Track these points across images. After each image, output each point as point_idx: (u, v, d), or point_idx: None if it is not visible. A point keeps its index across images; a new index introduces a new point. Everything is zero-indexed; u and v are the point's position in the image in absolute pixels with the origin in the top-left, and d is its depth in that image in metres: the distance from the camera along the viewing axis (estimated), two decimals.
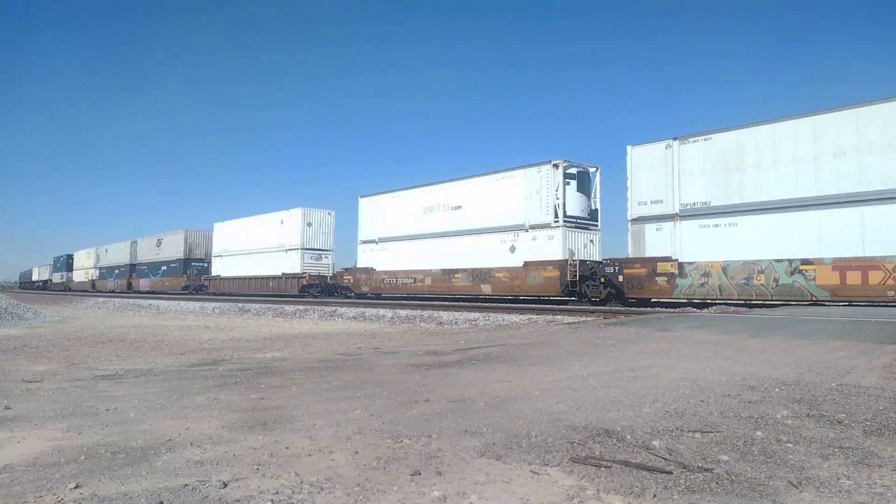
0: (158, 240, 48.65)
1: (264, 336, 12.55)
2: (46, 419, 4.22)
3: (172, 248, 45.70)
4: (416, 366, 6.80)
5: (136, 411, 4.46)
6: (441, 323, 16.32)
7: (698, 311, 14.75)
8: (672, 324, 10.46)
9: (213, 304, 27.36)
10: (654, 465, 2.98)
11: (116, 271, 56.32)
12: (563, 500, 2.59)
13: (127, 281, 52.97)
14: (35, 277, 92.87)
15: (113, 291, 53.70)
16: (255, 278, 35.68)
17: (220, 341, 11.30)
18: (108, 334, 13.06)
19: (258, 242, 36.21)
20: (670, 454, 3.17)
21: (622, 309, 16.44)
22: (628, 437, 3.49)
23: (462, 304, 21.20)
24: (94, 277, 61.40)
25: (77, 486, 2.77)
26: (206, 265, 43.33)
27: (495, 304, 20.39)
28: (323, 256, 33.53)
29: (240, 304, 25.44)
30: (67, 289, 68.44)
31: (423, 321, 16.89)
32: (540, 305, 19.93)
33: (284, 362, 7.51)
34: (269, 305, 24.09)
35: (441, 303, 22.14)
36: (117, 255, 56.56)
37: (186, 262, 43.60)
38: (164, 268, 46.56)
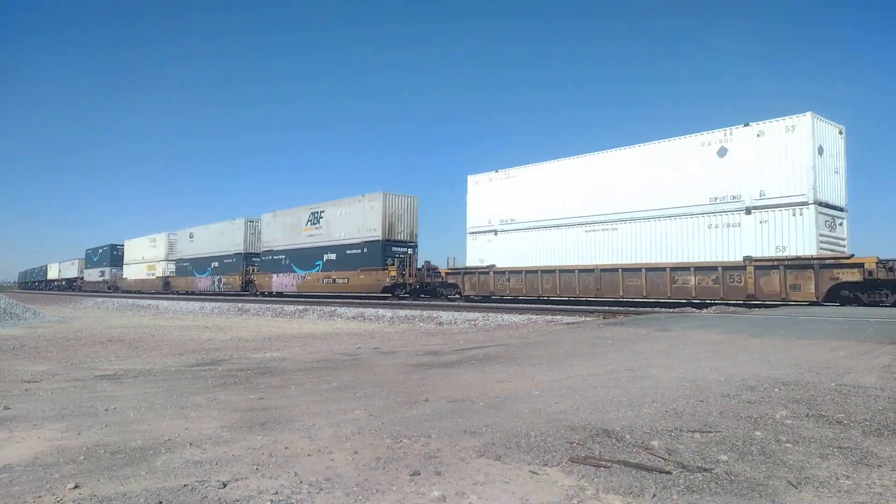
0: (315, 213, 30.77)
1: (263, 336, 12.55)
2: (46, 419, 4.22)
3: (354, 223, 28.20)
4: (416, 366, 6.80)
5: (136, 411, 4.46)
6: (440, 323, 16.32)
7: (697, 310, 14.76)
8: (671, 323, 10.46)
9: (213, 304, 27.34)
10: (654, 465, 2.99)
11: (215, 264, 38.79)
12: (562, 500, 2.59)
13: (243, 278, 36.15)
14: (53, 276, 77.49)
15: (205, 294, 38.03)
16: (634, 270, 17.97)
17: (220, 341, 11.30)
18: (107, 334, 13.06)
19: (633, 200, 18.34)
20: (669, 454, 3.17)
21: (622, 309, 16.44)
22: (627, 437, 3.50)
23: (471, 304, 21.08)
24: (168, 273, 45.26)
25: (76, 486, 2.77)
26: (410, 250, 27.09)
27: (507, 305, 20.34)
28: (836, 222, 16.09)
29: (239, 305, 25.42)
30: (115, 289, 52.29)
31: (422, 321, 16.89)
32: (540, 305, 19.90)
33: (284, 362, 7.51)
34: (268, 305, 24.08)
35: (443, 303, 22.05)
36: (217, 240, 38.84)
37: (385, 247, 26.55)
38: (332, 256, 29.33)
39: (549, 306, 18.64)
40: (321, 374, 6.28)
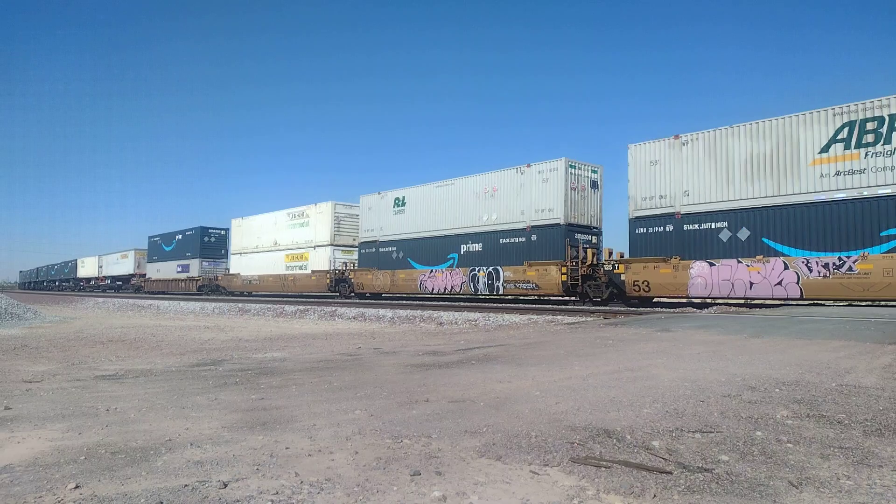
0: (854, 123, 13.54)
1: (264, 336, 12.55)
2: (46, 419, 4.22)
3: None
4: (417, 366, 6.80)
5: (136, 411, 4.46)
6: (441, 323, 16.32)
7: (698, 310, 14.75)
8: (672, 324, 10.46)
9: (213, 304, 27.35)
10: (654, 466, 2.99)
11: (472, 247, 22.11)
12: (563, 500, 2.59)
13: (579, 270, 18.66)
14: (87, 272, 60.40)
15: (444, 298, 23.75)
16: None
17: (220, 341, 11.30)
18: (108, 334, 13.06)
19: None
20: (670, 454, 3.17)
21: (622, 309, 16.44)
22: (628, 437, 3.49)
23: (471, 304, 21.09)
24: (343, 266, 28.49)
25: (77, 487, 2.77)
26: None
27: (503, 305, 20.36)
28: None
29: (239, 304, 25.43)
30: (216, 290, 36.95)
31: (423, 321, 16.89)
32: (541, 305, 19.88)
33: (284, 362, 7.51)
34: (269, 305, 24.09)
35: (440, 303, 22.05)
36: (472, 206, 22.33)
37: None
38: None
39: (550, 306, 18.62)
40: (322, 375, 6.27)
